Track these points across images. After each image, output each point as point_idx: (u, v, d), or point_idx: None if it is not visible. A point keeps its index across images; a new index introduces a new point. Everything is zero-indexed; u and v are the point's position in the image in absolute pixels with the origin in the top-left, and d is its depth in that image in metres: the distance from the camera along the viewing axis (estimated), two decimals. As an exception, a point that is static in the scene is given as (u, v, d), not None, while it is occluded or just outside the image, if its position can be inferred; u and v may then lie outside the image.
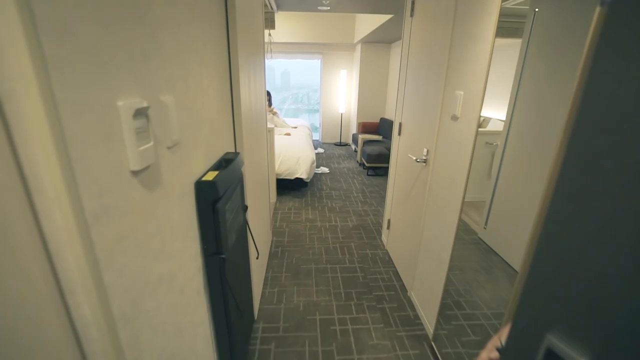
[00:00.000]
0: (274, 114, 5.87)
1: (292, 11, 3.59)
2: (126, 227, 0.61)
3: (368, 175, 5.17)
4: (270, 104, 5.86)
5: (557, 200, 0.36)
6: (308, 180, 4.23)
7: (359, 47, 6.64)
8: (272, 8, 3.39)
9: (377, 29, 4.74)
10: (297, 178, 4.09)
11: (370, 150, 5.07)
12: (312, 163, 4.17)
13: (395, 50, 6.22)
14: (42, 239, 0.46)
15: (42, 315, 0.46)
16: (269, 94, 5.78)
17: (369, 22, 5.18)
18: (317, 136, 7.91)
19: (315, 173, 5.20)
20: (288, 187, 4.28)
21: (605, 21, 0.31)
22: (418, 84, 2.16)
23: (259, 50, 2.11)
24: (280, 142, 4.54)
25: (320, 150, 6.86)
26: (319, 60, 7.18)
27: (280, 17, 6.25)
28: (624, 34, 0.30)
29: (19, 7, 0.40)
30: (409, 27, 2.35)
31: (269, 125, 5.17)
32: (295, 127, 6.07)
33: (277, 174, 4.11)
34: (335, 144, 7.55)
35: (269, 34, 3.55)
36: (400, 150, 2.56)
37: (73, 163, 0.49)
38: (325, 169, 5.37)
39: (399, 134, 2.57)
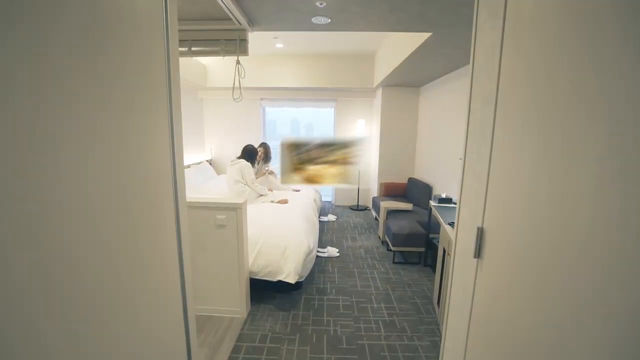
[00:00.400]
0: (271, 173, 4.54)
1: (276, 30, 2.35)
2: None
3: (395, 263, 3.61)
4: (267, 159, 4.56)
5: None
6: (302, 280, 2.74)
7: (379, 92, 5.41)
8: (240, 23, 2.15)
9: (403, 63, 3.46)
10: (280, 281, 2.60)
11: (398, 227, 3.56)
12: (308, 254, 2.70)
13: (428, 95, 4.91)
14: None
15: None
16: (264, 146, 4.50)
17: (391, 56, 3.95)
18: (329, 197, 6.50)
19: (319, 256, 3.69)
20: (271, 287, 2.77)
21: None
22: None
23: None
24: (264, 214, 3.12)
25: (332, 217, 5.40)
26: (332, 109, 5.99)
27: (283, 59, 5.17)
28: None
29: None
30: (493, 39, 0.99)
31: (260, 191, 3.85)
32: (298, 190, 4.70)
33: (251, 273, 2.65)
34: (352, 208, 6.10)
35: (238, 64, 2.28)
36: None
37: None
38: (333, 251, 3.86)
39: (478, 254, 1.10)
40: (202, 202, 2.38)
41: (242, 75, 2.50)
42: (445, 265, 2.29)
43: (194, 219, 2.35)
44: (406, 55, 3.26)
